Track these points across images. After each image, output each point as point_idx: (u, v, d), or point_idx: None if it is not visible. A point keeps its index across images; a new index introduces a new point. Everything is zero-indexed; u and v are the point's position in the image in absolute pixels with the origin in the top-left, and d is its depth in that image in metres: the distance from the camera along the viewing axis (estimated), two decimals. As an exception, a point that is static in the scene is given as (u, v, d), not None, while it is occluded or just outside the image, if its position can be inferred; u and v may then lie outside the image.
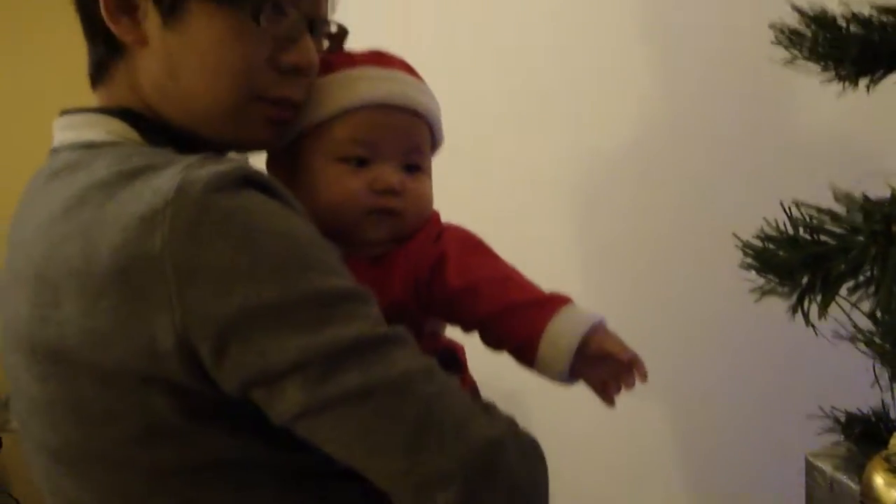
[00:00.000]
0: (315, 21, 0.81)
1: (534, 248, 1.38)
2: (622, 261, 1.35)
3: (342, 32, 0.87)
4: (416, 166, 0.87)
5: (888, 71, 0.64)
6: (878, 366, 0.80)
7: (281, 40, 0.78)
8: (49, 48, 2.72)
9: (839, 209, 0.64)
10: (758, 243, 0.68)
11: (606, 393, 0.80)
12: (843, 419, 0.87)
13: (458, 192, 1.43)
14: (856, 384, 0.84)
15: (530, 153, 1.50)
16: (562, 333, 0.78)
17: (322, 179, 0.84)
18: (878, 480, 0.77)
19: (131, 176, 0.68)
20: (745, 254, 0.70)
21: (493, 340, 0.82)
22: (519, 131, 1.52)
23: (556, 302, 0.81)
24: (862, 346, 0.82)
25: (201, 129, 0.78)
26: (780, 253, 0.66)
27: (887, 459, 0.77)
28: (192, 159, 0.68)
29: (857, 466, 0.83)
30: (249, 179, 0.67)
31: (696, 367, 1.23)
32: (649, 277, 1.30)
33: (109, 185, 0.68)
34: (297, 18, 0.79)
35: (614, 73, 1.30)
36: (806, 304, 0.68)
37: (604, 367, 0.78)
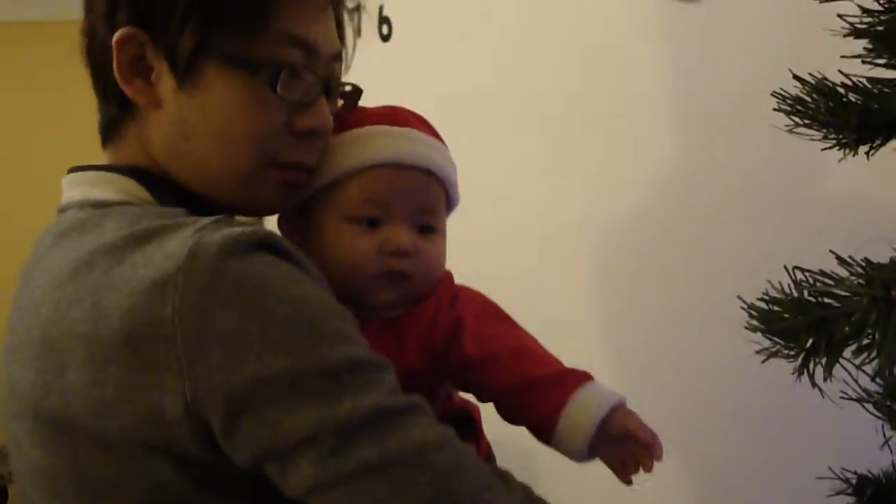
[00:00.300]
0: (330, 83, 0.81)
1: (548, 311, 1.39)
2: (629, 324, 1.36)
3: (356, 92, 0.87)
4: (430, 227, 0.85)
5: (887, 138, 0.66)
6: (886, 427, 0.80)
7: (296, 105, 0.76)
8: (61, 103, 2.69)
9: (843, 273, 0.65)
10: (763, 306, 0.70)
11: (624, 473, 0.77)
12: (854, 481, 0.86)
13: (472, 251, 1.44)
14: (865, 446, 0.84)
15: (543, 214, 1.52)
16: (582, 411, 0.76)
17: (332, 240, 0.83)
18: (890, 544, 0.77)
19: (142, 239, 0.67)
20: (751, 316, 0.71)
21: (510, 414, 0.80)
22: (534, 192, 1.54)
23: (577, 378, 0.79)
24: (870, 407, 0.82)
25: (213, 192, 0.77)
26: (785, 316, 0.68)
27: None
28: (204, 221, 0.67)
29: (870, 530, 0.82)
30: (263, 242, 0.66)
31: (704, 430, 1.23)
32: (656, 340, 1.30)
33: (119, 248, 0.67)
34: (312, 82, 0.77)
35: (626, 137, 1.32)
36: (811, 366, 0.69)
37: (623, 446, 0.76)
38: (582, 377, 0.78)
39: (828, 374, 0.65)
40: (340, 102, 0.86)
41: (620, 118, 1.32)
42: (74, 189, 0.78)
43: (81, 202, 0.76)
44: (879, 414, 0.84)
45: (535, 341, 0.82)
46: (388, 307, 0.83)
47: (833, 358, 0.64)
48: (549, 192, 1.49)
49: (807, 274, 0.66)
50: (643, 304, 1.32)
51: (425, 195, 0.85)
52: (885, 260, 0.65)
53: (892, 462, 0.84)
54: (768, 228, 1.06)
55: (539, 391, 0.77)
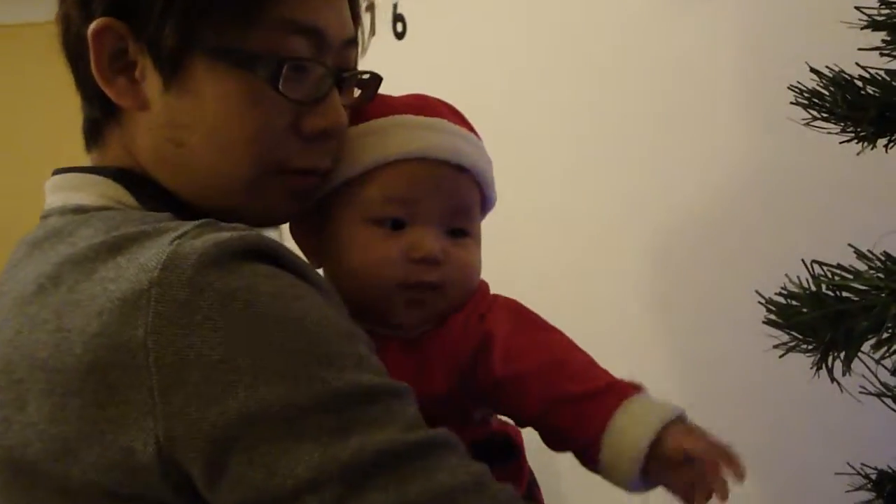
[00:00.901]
0: (343, 73, 0.70)
1: (592, 310, 1.38)
2: (652, 322, 1.35)
3: (375, 80, 0.76)
4: (462, 230, 0.75)
5: (906, 132, 0.65)
6: (906, 422, 0.80)
7: (303, 102, 0.67)
8: (48, 101, 2.54)
9: (861, 267, 0.65)
10: (781, 300, 0.69)
11: (695, 500, 0.64)
12: (874, 477, 0.85)
13: (511, 255, 1.44)
14: (885, 441, 0.83)
15: (570, 214, 1.51)
16: (627, 433, 0.64)
17: (349, 244, 0.73)
18: (911, 540, 0.76)
19: (115, 249, 0.57)
20: (769, 310, 0.71)
21: (551, 440, 0.70)
22: (558, 193, 1.53)
23: (621, 392, 0.67)
24: (889, 401, 0.82)
25: (211, 201, 0.68)
26: (804, 310, 0.67)
27: (919, 519, 0.76)
28: (187, 227, 0.58)
29: (890, 526, 0.82)
30: (255, 249, 0.57)
31: (724, 426, 1.22)
32: (681, 338, 1.30)
33: (89, 260, 0.58)
34: (321, 75, 0.68)
35: (644, 134, 1.32)
36: (830, 360, 0.68)
37: (685, 470, 0.64)
38: (627, 390, 0.67)
39: (847, 368, 0.65)
40: (357, 92, 0.77)
41: (640, 116, 1.31)
42: (56, 194, 0.69)
43: (62, 208, 0.67)
44: (897, 408, 0.83)
45: (575, 350, 0.72)
46: (413, 324, 0.73)
47: (852, 352, 0.63)
48: (575, 191, 1.49)
49: (825, 268, 0.65)
50: (674, 303, 1.31)
51: (457, 194, 0.75)
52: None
53: (914, 458, 0.83)
54: (787, 223, 1.05)
55: (577, 411, 0.67)
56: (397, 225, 0.73)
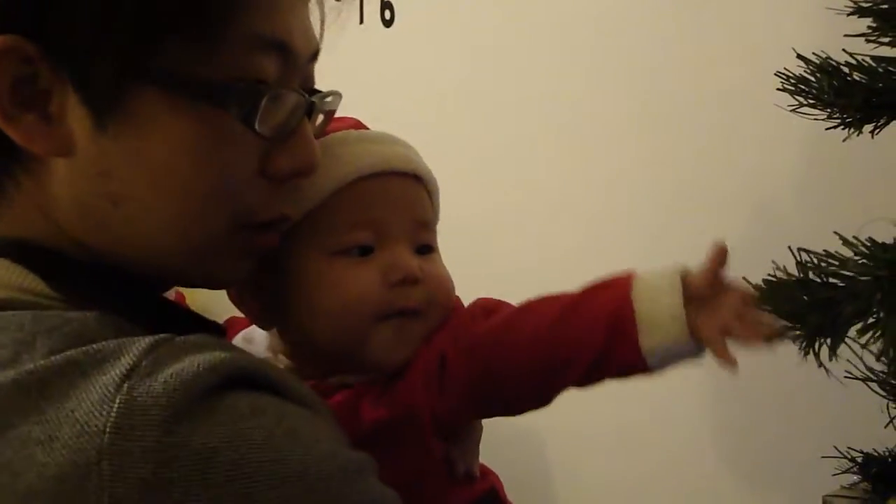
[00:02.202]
0: (312, 98, 0.58)
1: None
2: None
3: (338, 99, 0.64)
4: (428, 246, 0.69)
5: (892, 117, 0.66)
6: (891, 406, 0.81)
7: (274, 139, 0.54)
8: None
9: (848, 253, 0.65)
10: (768, 287, 0.69)
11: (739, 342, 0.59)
12: (859, 460, 0.87)
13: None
14: (870, 425, 0.84)
15: (560, 204, 1.51)
16: (652, 286, 0.60)
17: (318, 285, 0.65)
18: (895, 522, 0.77)
19: (36, 391, 0.43)
20: (756, 296, 0.71)
21: (570, 369, 0.63)
22: (544, 178, 1.53)
23: (622, 276, 0.63)
24: (875, 386, 0.83)
25: (150, 268, 0.54)
26: (791, 297, 0.67)
27: (904, 501, 0.77)
28: (135, 352, 0.44)
29: (875, 507, 0.83)
30: (233, 376, 0.45)
31: (712, 408, 1.23)
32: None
33: None
34: (294, 104, 0.55)
35: (623, 125, 1.32)
36: (817, 346, 0.68)
37: (718, 310, 0.60)
38: (627, 273, 0.63)
39: (833, 354, 0.65)
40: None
41: (627, 106, 1.31)
42: None
43: None
44: (884, 393, 0.84)
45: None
46: (397, 362, 0.66)
47: (838, 338, 0.64)
48: (562, 178, 1.49)
49: (811, 255, 0.66)
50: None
51: (419, 207, 0.69)
52: (889, 240, 0.65)
53: (898, 441, 0.84)
54: (775, 209, 1.06)
55: (586, 305, 0.62)
56: (365, 251, 0.66)
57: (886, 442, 0.85)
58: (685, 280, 0.61)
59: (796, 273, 0.67)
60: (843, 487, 0.89)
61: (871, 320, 0.61)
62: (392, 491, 0.50)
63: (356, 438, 0.52)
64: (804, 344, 0.66)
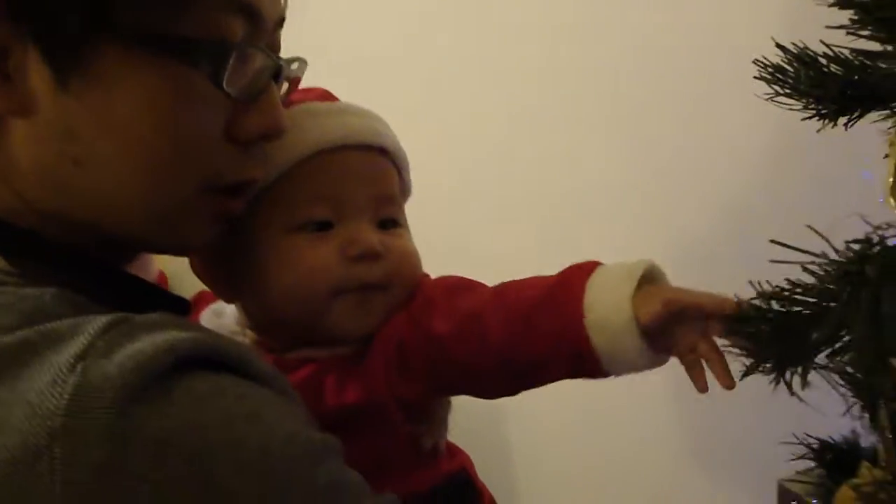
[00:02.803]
0: (280, 62, 0.58)
1: None
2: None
3: (303, 67, 0.64)
4: (393, 220, 0.68)
5: (866, 110, 0.66)
6: (850, 395, 0.82)
7: (243, 100, 0.54)
8: None
9: (813, 276, 0.64)
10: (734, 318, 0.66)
11: (698, 369, 0.61)
12: (816, 446, 0.88)
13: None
14: (829, 413, 0.86)
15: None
16: (608, 305, 0.58)
17: (275, 261, 0.64)
18: (847, 506, 0.79)
19: None
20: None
21: (531, 372, 0.63)
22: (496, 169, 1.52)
23: (579, 274, 0.61)
24: (835, 376, 0.84)
25: (114, 231, 0.53)
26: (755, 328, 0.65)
27: (856, 488, 0.78)
28: (89, 331, 0.42)
29: (828, 492, 0.85)
30: (193, 356, 0.43)
31: (673, 395, 1.25)
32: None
33: None
34: (262, 66, 0.54)
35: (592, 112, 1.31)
36: (787, 374, 0.67)
37: (683, 326, 0.60)
38: (585, 268, 0.62)
39: (804, 383, 0.64)
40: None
41: (597, 92, 1.30)
42: None
43: None
44: (843, 382, 0.86)
45: (516, 280, 0.66)
46: (356, 334, 0.65)
47: (808, 366, 0.63)
48: (539, 169, 1.47)
49: (773, 285, 0.63)
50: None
51: (383, 181, 0.68)
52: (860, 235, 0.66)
53: (853, 429, 0.86)
54: (748, 203, 1.06)
55: (543, 314, 0.60)
56: (323, 227, 0.65)
57: (844, 430, 0.87)
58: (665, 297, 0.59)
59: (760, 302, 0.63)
60: (798, 473, 0.91)
61: (838, 345, 0.60)
62: (356, 473, 0.49)
63: (321, 417, 0.52)
64: (774, 375, 0.65)
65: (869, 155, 0.66)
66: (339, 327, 0.65)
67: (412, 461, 0.69)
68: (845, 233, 0.65)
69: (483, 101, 1.42)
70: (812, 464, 0.88)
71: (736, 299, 0.61)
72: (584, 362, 0.61)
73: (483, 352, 0.62)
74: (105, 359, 0.41)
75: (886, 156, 0.71)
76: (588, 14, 1.29)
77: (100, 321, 0.43)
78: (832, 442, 0.87)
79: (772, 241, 0.67)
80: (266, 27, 0.55)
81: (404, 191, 0.72)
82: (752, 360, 0.63)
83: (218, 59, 0.51)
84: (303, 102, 0.67)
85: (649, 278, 0.61)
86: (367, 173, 0.67)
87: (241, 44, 0.52)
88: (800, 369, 0.62)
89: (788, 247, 0.65)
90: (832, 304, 0.59)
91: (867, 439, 0.83)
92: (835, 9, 0.62)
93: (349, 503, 0.46)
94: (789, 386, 0.64)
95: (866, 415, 0.78)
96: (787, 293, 0.62)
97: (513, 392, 0.67)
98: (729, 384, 0.61)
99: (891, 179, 0.71)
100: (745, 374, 0.62)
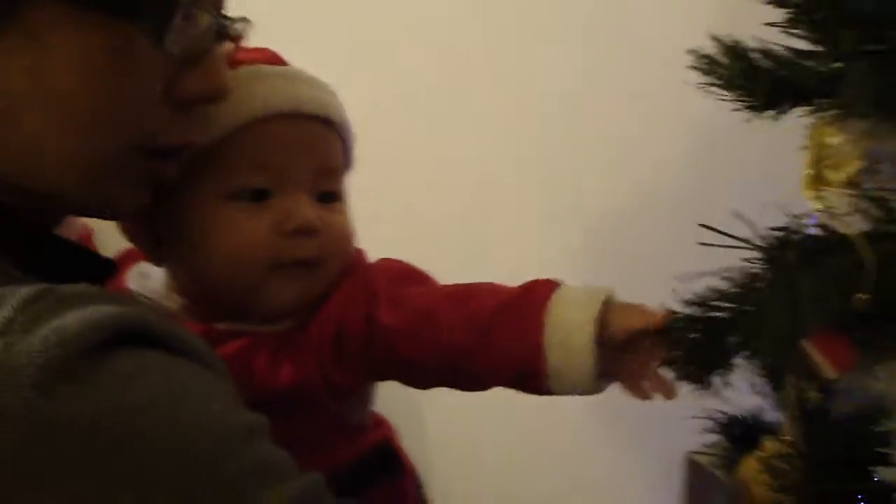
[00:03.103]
0: (224, 21, 0.56)
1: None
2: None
3: (247, 27, 0.60)
4: (332, 194, 0.66)
5: (794, 105, 0.69)
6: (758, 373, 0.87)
7: (184, 60, 0.52)
8: None
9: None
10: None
11: (642, 388, 0.64)
12: (724, 421, 0.93)
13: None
14: (738, 389, 0.91)
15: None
16: (570, 318, 0.60)
17: (209, 228, 0.62)
18: (751, 477, 0.84)
19: None
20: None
21: (475, 377, 0.64)
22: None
23: (544, 287, 0.62)
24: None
25: (41, 191, 0.50)
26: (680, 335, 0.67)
27: (760, 459, 0.83)
28: (10, 304, 0.41)
29: (732, 463, 0.90)
30: (119, 331, 0.42)
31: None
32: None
33: None
34: (207, 25, 0.52)
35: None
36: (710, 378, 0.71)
37: (634, 352, 0.62)
38: (547, 287, 0.63)
39: (726, 385, 0.68)
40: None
41: (522, 88, 1.31)
42: None
43: None
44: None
45: (473, 285, 0.66)
46: (289, 310, 0.64)
47: (729, 370, 0.66)
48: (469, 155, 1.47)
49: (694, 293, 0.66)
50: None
51: (327, 153, 0.66)
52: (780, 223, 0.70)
53: (756, 405, 0.91)
54: (672, 194, 1.09)
55: (502, 327, 0.61)
56: (260, 196, 0.63)
57: (748, 406, 0.92)
58: (606, 320, 0.61)
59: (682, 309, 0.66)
60: (705, 446, 0.96)
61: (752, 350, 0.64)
62: (284, 452, 0.49)
63: (249, 393, 0.51)
64: (698, 380, 0.68)
65: (794, 147, 0.70)
66: (272, 302, 0.64)
67: (338, 436, 0.69)
68: (769, 221, 0.69)
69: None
70: (719, 437, 0.93)
71: (664, 310, 0.63)
72: (531, 377, 0.62)
73: (434, 353, 0.63)
74: (28, 334, 0.39)
75: (805, 148, 0.75)
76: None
77: (22, 293, 0.41)
78: (738, 417, 0.92)
79: (700, 225, 0.71)
80: None
81: (347, 163, 0.71)
82: (677, 367, 0.65)
83: (161, 17, 0.49)
84: (250, 63, 0.65)
85: (608, 304, 0.63)
86: (312, 144, 0.65)
87: (186, 1, 0.50)
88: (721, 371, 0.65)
89: (716, 231, 0.69)
90: (747, 309, 0.62)
91: (770, 415, 0.88)
92: (770, 6, 0.65)
93: (276, 483, 0.46)
94: (712, 389, 0.66)
95: (772, 392, 0.83)
96: (706, 301, 0.64)
97: (447, 387, 0.67)
98: (673, 397, 0.64)
99: (808, 171, 0.75)
100: (681, 377, 0.64)
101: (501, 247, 1.30)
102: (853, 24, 0.55)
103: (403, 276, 0.67)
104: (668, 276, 0.65)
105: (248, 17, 0.60)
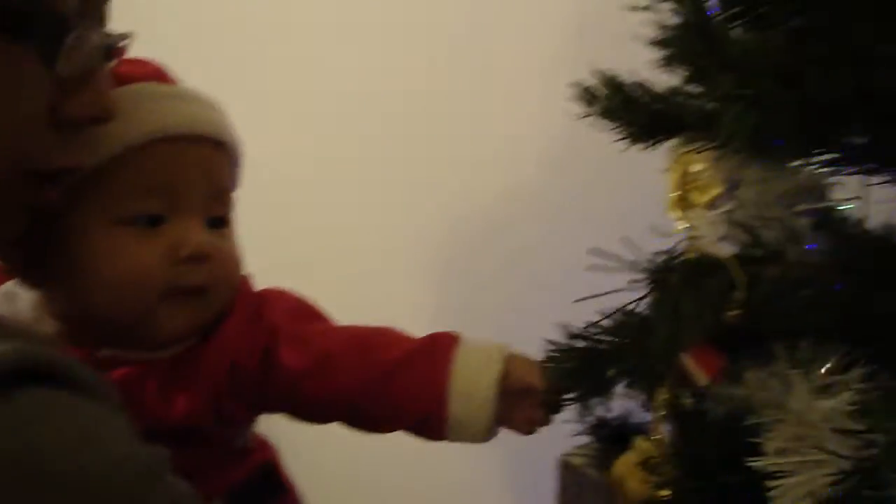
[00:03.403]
0: (111, 40, 0.55)
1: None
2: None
3: (126, 43, 0.59)
4: (221, 219, 0.66)
5: (667, 138, 0.75)
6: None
7: (68, 79, 0.50)
8: None
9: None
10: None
11: (529, 426, 0.69)
12: (593, 423, 0.99)
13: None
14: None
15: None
16: (475, 374, 0.64)
17: (97, 255, 0.60)
18: (626, 475, 0.90)
19: None
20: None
21: (375, 421, 0.67)
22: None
23: (446, 343, 0.66)
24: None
25: None
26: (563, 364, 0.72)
27: (635, 458, 0.89)
28: None
29: (602, 462, 0.96)
30: (16, 372, 0.41)
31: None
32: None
33: None
34: (97, 43, 0.51)
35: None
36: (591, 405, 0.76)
37: (526, 400, 0.67)
38: (451, 339, 0.66)
39: (607, 411, 0.73)
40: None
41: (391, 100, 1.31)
42: None
43: None
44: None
45: (375, 329, 0.68)
46: (177, 338, 0.63)
47: (610, 397, 0.72)
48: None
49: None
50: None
51: (219, 176, 0.65)
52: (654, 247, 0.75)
53: (627, 409, 0.98)
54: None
55: (406, 375, 0.64)
56: (154, 221, 0.61)
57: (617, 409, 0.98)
58: (505, 375, 0.65)
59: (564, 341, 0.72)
60: (577, 448, 1.01)
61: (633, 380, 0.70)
62: (187, 485, 0.49)
63: (141, 425, 0.50)
64: (581, 408, 0.74)
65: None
66: (161, 330, 0.63)
67: (226, 460, 0.69)
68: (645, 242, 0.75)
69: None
70: (591, 439, 0.99)
71: (545, 342, 0.69)
72: (433, 424, 0.66)
73: (335, 396, 0.65)
74: None
75: (668, 171, 0.82)
76: (383, 15, 1.30)
77: None
78: (609, 419, 0.98)
79: (590, 251, 0.76)
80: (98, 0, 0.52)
81: (235, 185, 0.70)
82: (558, 395, 0.69)
83: (53, 38, 0.47)
84: (137, 82, 0.62)
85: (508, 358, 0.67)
86: (207, 167, 0.64)
87: (77, 20, 0.48)
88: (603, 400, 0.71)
89: (607, 256, 0.74)
90: (626, 341, 0.67)
91: (637, 416, 0.95)
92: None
93: None
94: (592, 415, 0.73)
95: (642, 396, 0.89)
96: (588, 332, 0.69)
97: (344, 426, 0.69)
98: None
99: (672, 194, 0.82)
100: (555, 411, 0.70)
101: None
102: (730, 69, 0.60)
103: (301, 312, 0.68)
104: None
105: (130, 32, 0.58)
